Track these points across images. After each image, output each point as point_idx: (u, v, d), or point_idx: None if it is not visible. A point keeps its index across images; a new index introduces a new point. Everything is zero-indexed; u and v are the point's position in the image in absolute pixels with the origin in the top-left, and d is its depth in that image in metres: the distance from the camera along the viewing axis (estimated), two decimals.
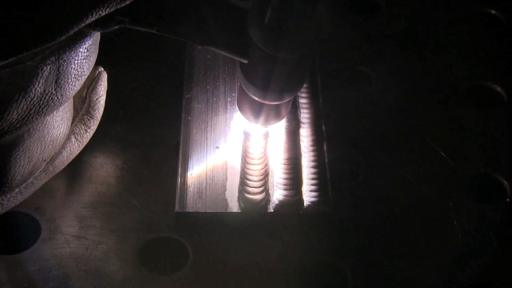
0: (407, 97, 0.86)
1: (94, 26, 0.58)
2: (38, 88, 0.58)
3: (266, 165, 0.75)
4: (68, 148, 0.71)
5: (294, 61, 0.62)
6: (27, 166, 0.65)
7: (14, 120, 0.58)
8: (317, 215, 0.72)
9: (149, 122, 0.82)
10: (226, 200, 0.72)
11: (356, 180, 0.78)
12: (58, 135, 0.67)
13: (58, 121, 0.66)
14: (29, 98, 0.57)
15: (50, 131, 0.66)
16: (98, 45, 0.63)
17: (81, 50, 0.60)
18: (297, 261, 0.71)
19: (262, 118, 0.69)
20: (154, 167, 0.78)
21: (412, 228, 0.74)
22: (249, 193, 0.73)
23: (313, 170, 0.75)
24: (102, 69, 0.73)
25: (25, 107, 0.58)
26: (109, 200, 0.75)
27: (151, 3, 0.60)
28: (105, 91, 0.74)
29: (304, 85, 0.81)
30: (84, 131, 0.72)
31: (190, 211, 0.71)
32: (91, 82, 0.72)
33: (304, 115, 0.80)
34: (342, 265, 0.71)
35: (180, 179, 0.73)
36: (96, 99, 0.72)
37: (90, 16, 0.54)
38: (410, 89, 0.87)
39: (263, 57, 0.61)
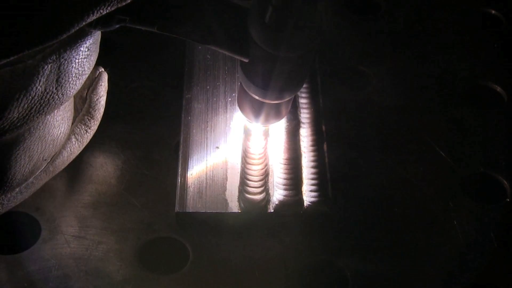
0: (407, 97, 0.86)
1: (95, 25, 0.58)
2: (39, 87, 0.58)
3: (266, 165, 0.75)
4: (69, 148, 0.71)
5: (294, 60, 0.62)
6: (28, 166, 0.65)
7: (15, 118, 0.58)
8: (317, 215, 0.72)
9: (149, 122, 0.82)
10: (226, 200, 0.72)
11: (356, 180, 0.78)
12: (58, 134, 0.67)
13: (59, 121, 0.66)
14: (30, 97, 0.58)
15: (51, 131, 0.66)
16: (98, 44, 0.63)
17: (82, 49, 0.60)
18: (297, 261, 0.71)
19: (262, 117, 0.69)
20: (154, 167, 0.78)
21: (412, 228, 0.74)
22: (249, 193, 0.73)
23: (313, 170, 0.75)
24: (103, 69, 0.73)
25: (26, 105, 0.58)
26: (109, 200, 0.75)
27: (152, 2, 0.60)
28: (106, 91, 0.74)
29: (304, 85, 0.82)
30: (85, 131, 0.72)
31: (190, 211, 0.71)
32: (92, 83, 0.72)
33: (304, 115, 0.80)
34: (342, 265, 0.71)
35: (180, 179, 0.73)
36: (97, 100, 0.73)
37: (91, 15, 0.54)
38: (410, 89, 0.87)
39: (264, 56, 0.61)
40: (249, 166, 0.74)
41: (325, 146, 0.77)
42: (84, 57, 0.60)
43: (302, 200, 0.72)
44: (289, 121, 0.78)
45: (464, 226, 0.74)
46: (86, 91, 0.72)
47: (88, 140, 0.74)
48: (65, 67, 0.59)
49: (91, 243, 0.71)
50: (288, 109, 0.71)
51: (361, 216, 0.74)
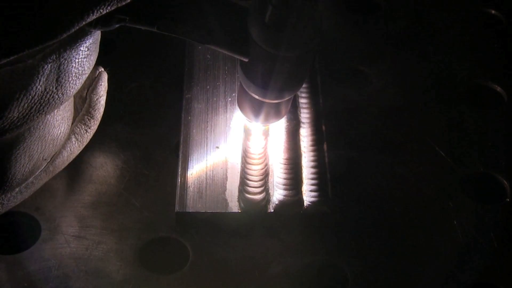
0: (407, 97, 0.86)
1: (95, 24, 0.58)
2: (39, 87, 0.58)
3: (266, 165, 0.75)
4: (69, 148, 0.71)
5: (294, 60, 0.62)
6: (28, 165, 0.65)
7: (15, 118, 0.58)
8: (317, 215, 0.72)
9: (149, 122, 0.82)
10: (226, 200, 0.72)
11: (356, 180, 0.78)
12: (58, 134, 0.67)
13: (59, 120, 0.67)
14: (30, 97, 0.58)
15: (51, 130, 0.66)
16: (98, 44, 0.63)
17: (82, 48, 0.60)
18: (297, 261, 0.71)
19: (262, 117, 0.69)
20: (154, 167, 0.78)
21: (412, 228, 0.74)
22: (249, 193, 0.73)
23: (313, 170, 0.75)
24: (103, 69, 0.73)
25: (26, 105, 0.58)
26: (109, 200, 0.75)
27: (151, 1, 0.60)
28: (106, 91, 0.74)
29: (304, 85, 0.82)
30: (85, 131, 0.72)
31: (190, 211, 0.71)
32: (92, 82, 0.72)
33: (304, 115, 0.80)
34: (342, 265, 0.71)
35: (180, 179, 0.73)
36: (97, 99, 0.73)
37: (91, 15, 0.54)
38: (409, 89, 0.87)
39: (264, 55, 0.61)
40: (249, 166, 0.74)
41: (325, 146, 0.77)
42: (84, 56, 0.60)
43: (302, 200, 0.72)
44: (289, 121, 0.78)
45: (464, 226, 0.74)
46: (86, 91, 0.72)
47: (88, 140, 0.74)
48: (65, 66, 0.59)
49: (91, 243, 0.71)
50: (288, 108, 0.71)
51: (361, 216, 0.74)
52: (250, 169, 0.74)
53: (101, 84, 0.73)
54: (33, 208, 0.73)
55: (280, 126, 0.78)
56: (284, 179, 0.74)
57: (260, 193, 0.73)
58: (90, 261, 0.70)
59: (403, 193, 0.77)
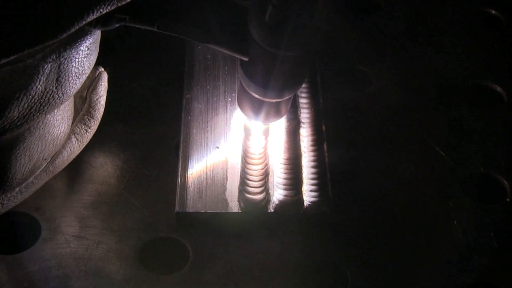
0: (407, 97, 0.86)
1: (95, 24, 0.58)
2: (39, 86, 0.58)
3: (266, 165, 0.75)
4: (69, 148, 0.71)
5: (294, 59, 0.62)
6: (28, 165, 0.65)
7: (15, 118, 0.58)
8: (317, 215, 0.72)
9: (149, 122, 0.82)
10: (226, 200, 0.72)
11: (356, 180, 0.78)
12: (58, 134, 0.67)
13: (59, 120, 0.67)
14: (30, 96, 0.58)
15: (51, 130, 0.66)
16: (98, 43, 0.63)
17: (82, 48, 0.60)
18: (297, 261, 0.71)
19: (262, 116, 0.69)
20: (154, 167, 0.78)
21: (412, 228, 0.74)
22: (249, 193, 0.73)
23: (313, 170, 0.75)
24: (103, 69, 0.73)
25: (26, 105, 0.58)
26: (109, 200, 0.75)
27: (151, 1, 0.60)
28: (106, 91, 0.74)
29: (304, 85, 0.82)
30: (85, 131, 0.72)
31: (190, 211, 0.71)
32: (92, 82, 0.72)
33: (304, 115, 0.80)
34: (342, 265, 0.71)
35: (180, 179, 0.73)
36: (97, 99, 0.73)
37: (91, 14, 0.54)
38: (410, 89, 0.87)
39: (264, 54, 0.61)
40: (249, 166, 0.74)
41: (325, 146, 0.77)
42: (84, 56, 0.60)
43: (302, 200, 0.72)
44: (289, 121, 0.78)
45: (464, 226, 0.74)
46: (86, 91, 0.72)
47: (88, 140, 0.74)
48: (65, 66, 0.59)
49: (91, 243, 0.71)
50: (288, 108, 0.71)
51: (361, 216, 0.74)
52: (250, 169, 0.74)
53: (101, 84, 0.73)
54: (33, 208, 0.73)
55: (280, 126, 0.78)
56: (284, 179, 0.74)
57: (260, 193, 0.73)
58: (90, 261, 0.70)
59: (403, 193, 0.77)
